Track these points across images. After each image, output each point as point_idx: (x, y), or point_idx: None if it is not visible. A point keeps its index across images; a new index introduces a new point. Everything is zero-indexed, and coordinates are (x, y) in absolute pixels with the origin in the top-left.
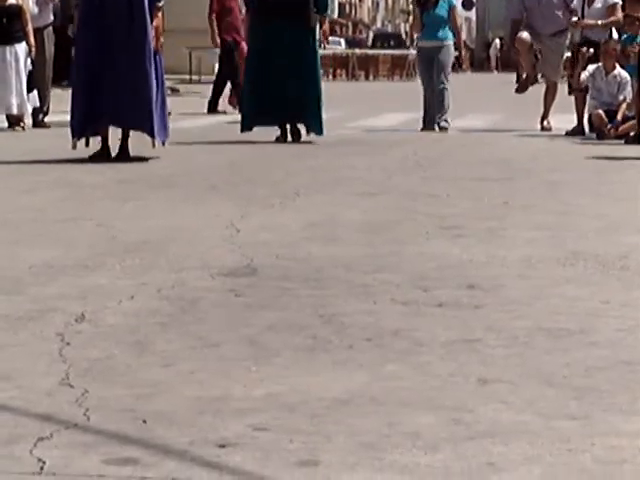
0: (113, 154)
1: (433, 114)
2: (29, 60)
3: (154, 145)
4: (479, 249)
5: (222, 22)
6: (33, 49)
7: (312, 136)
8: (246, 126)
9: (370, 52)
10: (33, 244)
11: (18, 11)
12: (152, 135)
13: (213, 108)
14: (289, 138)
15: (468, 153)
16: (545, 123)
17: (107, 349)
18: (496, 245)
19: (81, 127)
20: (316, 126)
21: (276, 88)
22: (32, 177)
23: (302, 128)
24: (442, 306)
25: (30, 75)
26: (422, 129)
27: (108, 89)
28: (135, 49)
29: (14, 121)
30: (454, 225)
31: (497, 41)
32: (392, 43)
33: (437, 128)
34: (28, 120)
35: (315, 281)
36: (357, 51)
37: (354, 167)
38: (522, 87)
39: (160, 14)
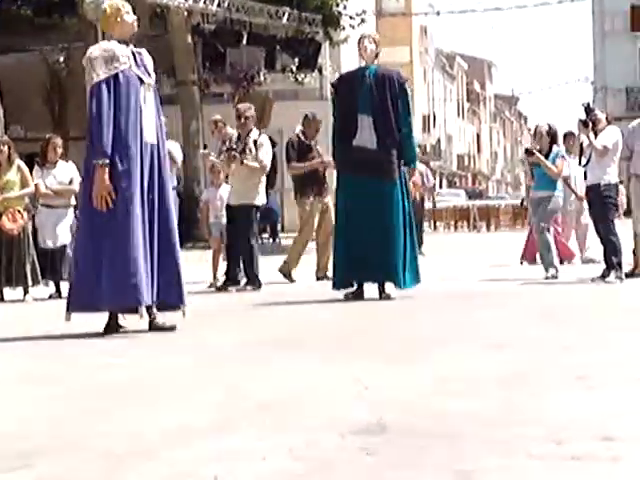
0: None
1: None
2: None
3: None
4: (616, 400)
5: None
6: None
7: (434, 288)
8: (337, 285)
9: (491, 203)
10: (164, 407)
11: None
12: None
13: None
14: (379, 296)
15: (594, 301)
16: None
17: None
18: (634, 395)
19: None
20: (403, 279)
21: (359, 247)
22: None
23: (391, 286)
24: (579, 459)
25: None
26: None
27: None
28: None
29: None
30: (587, 375)
31: None
32: None
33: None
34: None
35: (449, 437)
36: (477, 202)
37: (478, 320)
38: None
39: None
